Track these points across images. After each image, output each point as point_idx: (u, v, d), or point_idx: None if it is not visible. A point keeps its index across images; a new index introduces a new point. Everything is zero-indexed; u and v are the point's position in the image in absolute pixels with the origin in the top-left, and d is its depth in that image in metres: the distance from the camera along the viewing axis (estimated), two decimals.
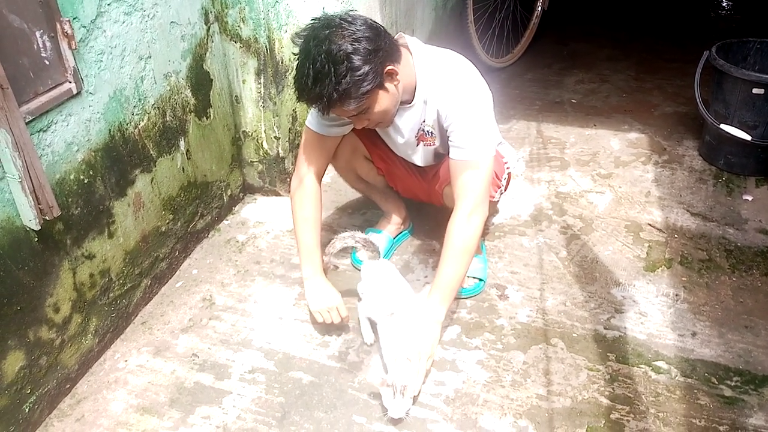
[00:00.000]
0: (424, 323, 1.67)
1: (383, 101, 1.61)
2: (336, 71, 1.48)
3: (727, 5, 4.61)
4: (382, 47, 1.56)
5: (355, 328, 1.92)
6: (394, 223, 2.24)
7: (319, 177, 1.92)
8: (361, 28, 1.53)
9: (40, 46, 1.47)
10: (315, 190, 1.90)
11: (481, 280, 2.03)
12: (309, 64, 1.50)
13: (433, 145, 1.85)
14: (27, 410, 1.59)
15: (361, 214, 2.44)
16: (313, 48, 1.50)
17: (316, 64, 1.49)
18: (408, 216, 2.28)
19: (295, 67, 1.57)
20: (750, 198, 2.45)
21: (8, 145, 1.37)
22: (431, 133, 1.82)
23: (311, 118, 1.87)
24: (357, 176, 2.13)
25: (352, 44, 1.50)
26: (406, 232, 2.30)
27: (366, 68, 1.51)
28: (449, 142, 1.72)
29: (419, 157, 1.93)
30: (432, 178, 2.00)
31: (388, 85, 1.60)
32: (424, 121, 1.79)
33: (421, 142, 1.86)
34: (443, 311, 1.69)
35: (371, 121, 1.67)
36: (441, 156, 1.91)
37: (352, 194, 2.50)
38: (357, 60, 1.50)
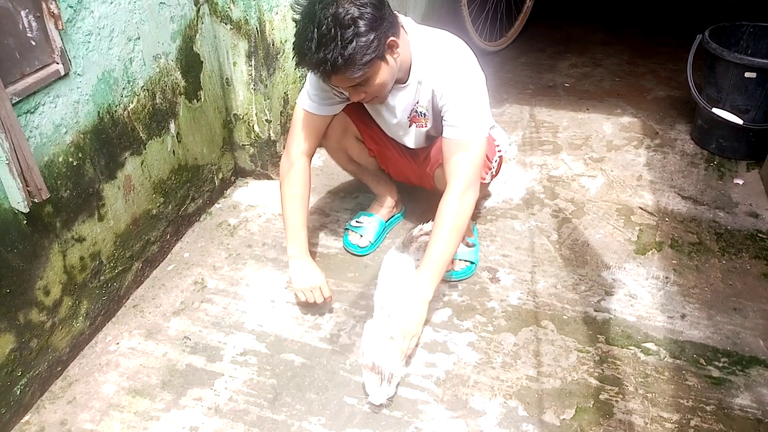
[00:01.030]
0: (410, 301, 1.68)
1: (383, 73, 1.60)
2: (342, 35, 1.46)
3: None
4: (386, 17, 1.54)
5: (345, 311, 1.92)
6: (386, 207, 2.24)
7: (309, 156, 1.92)
8: None
9: (26, 26, 1.45)
10: (304, 170, 1.89)
11: (472, 263, 2.04)
12: (313, 28, 1.46)
13: (426, 126, 1.85)
14: (18, 392, 1.59)
15: (353, 198, 2.43)
16: (319, 11, 1.46)
17: (322, 28, 1.45)
18: (400, 199, 2.28)
19: (295, 32, 1.53)
20: (741, 182, 2.46)
21: None
22: (424, 114, 1.81)
23: (303, 97, 1.86)
24: (348, 157, 2.13)
25: (358, 9, 1.47)
26: (399, 215, 2.30)
27: (371, 35, 1.49)
28: (443, 122, 1.72)
29: (411, 138, 1.92)
30: (423, 161, 2.00)
31: (388, 57, 1.58)
32: (417, 102, 1.79)
33: (414, 124, 1.85)
34: (431, 290, 1.69)
35: (368, 94, 1.65)
36: (432, 138, 1.91)
37: (344, 177, 2.50)
38: (363, 26, 1.47)
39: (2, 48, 1.39)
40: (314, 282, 1.85)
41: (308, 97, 1.84)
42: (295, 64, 1.57)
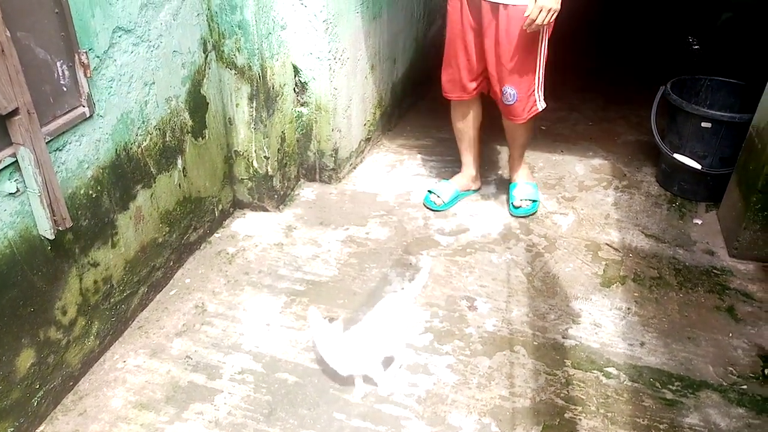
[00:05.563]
0: None
1: None
2: None
3: (693, 41, 4.90)
4: None
5: None
6: (465, 177, 2.80)
7: None
8: None
9: (60, 74, 1.65)
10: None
11: (535, 201, 2.69)
12: None
13: None
14: (35, 404, 1.74)
15: (344, 230, 2.62)
16: None
17: None
18: (479, 177, 2.85)
19: None
20: (700, 222, 2.68)
21: (31, 163, 1.53)
22: None
23: None
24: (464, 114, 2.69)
25: None
26: (473, 191, 2.84)
27: None
28: None
29: None
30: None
31: None
32: None
33: None
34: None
35: None
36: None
37: (336, 210, 2.69)
38: None
39: (40, 94, 1.58)
40: None
41: None
42: None
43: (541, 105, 2.50)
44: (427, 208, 2.73)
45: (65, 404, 1.84)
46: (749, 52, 3.94)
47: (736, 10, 4.69)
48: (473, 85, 2.55)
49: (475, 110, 2.69)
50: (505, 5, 2.24)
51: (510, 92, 2.42)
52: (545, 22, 2.15)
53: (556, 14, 2.15)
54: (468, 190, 2.82)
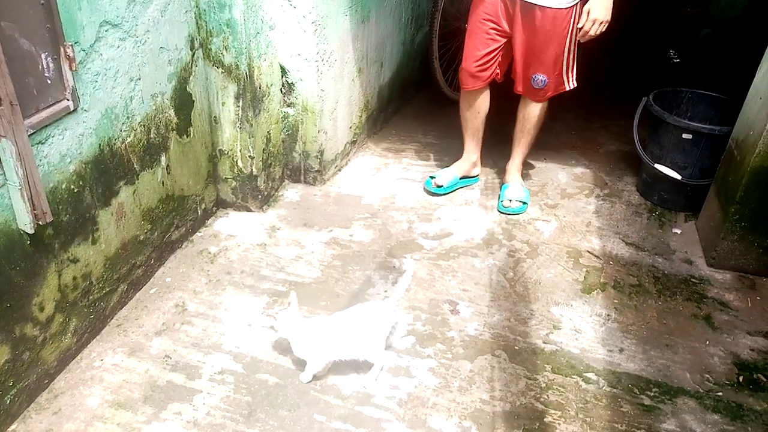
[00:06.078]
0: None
1: None
2: None
3: (674, 54, 4.99)
4: None
5: None
6: (467, 162, 2.90)
7: None
8: None
9: (45, 66, 1.62)
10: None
11: (525, 203, 2.77)
12: None
13: None
14: (8, 402, 1.70)
15: (327, 231, 2.61)
16: None
17: None
18: (479, 163, 2.95)
19: None
20: (679, 231, 2.72)
21: (12, 156, 1.51)
22: None
23: None
24: (473, 103, 2.78)
25: None
26: (474, 179, 2.97)
27: None
28: None
29: None
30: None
31: None
32: None
33: None
34: None
35: None
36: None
37: (320, 212, 2.68)
38: None
39: (23, 86, 1.55)
40: None
41: None
42: None
43: (569, 85, 2.72)
44: (427, 191, 2.86)
45: (39, 402, 1.80)
46: (728, 66, 4.02)
47: (715, 27, 4.81)
48: (487, 74, 2.69)
49: (483, 101, 2.81)
50: (542, 7, 2.43)
51: (540, 78, 2.63)
52: (598, 33, 2.39)
53: (606, 25, 2.38)
54: (467, 177, 2.92)
